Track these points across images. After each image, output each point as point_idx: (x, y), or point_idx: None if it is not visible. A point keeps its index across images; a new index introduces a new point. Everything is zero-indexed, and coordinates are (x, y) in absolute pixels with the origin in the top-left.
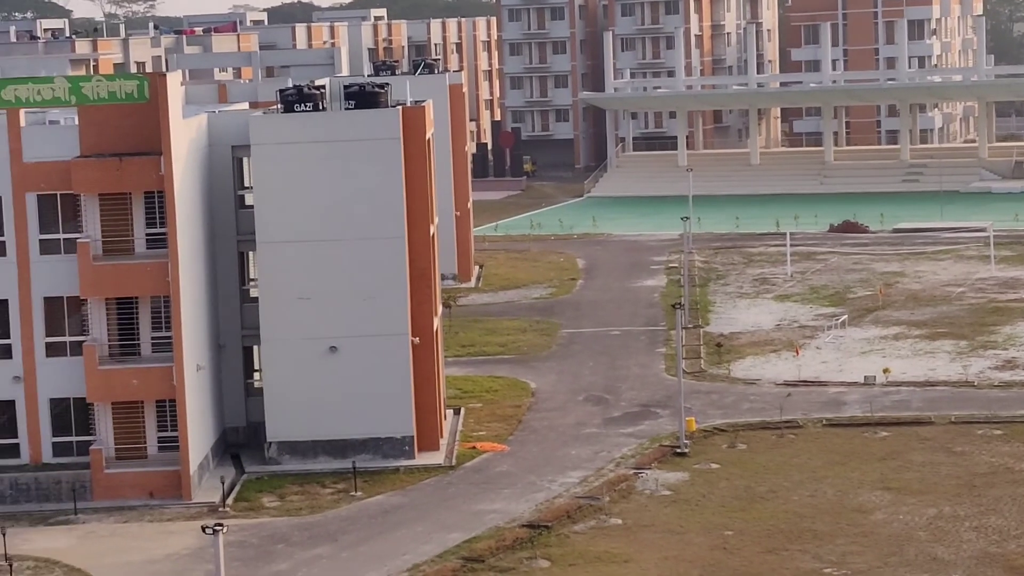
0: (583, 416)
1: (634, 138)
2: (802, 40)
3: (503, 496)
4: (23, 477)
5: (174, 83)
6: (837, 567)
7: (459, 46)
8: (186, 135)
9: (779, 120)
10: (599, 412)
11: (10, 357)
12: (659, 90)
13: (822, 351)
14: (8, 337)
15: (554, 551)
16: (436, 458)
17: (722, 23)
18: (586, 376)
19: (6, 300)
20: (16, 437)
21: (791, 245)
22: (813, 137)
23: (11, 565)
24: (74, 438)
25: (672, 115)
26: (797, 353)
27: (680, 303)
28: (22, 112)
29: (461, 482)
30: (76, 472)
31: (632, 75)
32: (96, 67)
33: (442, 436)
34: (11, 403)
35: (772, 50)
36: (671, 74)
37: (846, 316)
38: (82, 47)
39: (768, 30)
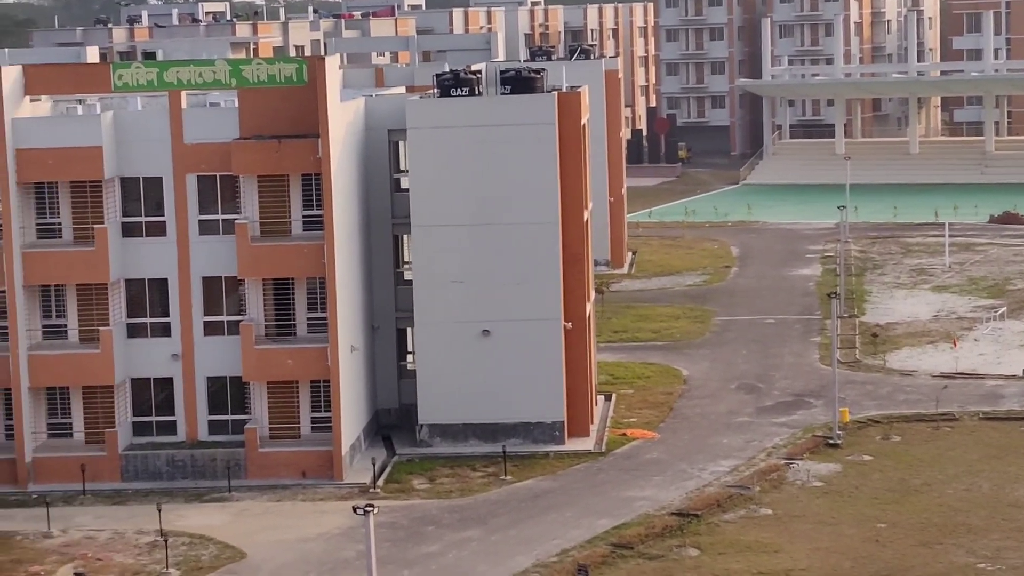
0: (735, 404)
1: (791, 125)
2: (964, 28)
3: (653, 483)
4: (179, 454)
5: (332, 67)
6: (991, 562)
7: (615, 32)
8: (343, 118)
9: (939, 109)
10: (751, 401)
11: (169, 335)
12: (817, 77)
13: (980, 343)
14: (167, 316)
15: (703, 540)
16: (586, 444)
17: (882, 10)
18: (739, 364)
19: (165, 279)
20: (173, 415)
21: (950, 235)
22: (974, 126)
23: (166, 541)
24: (229, 416)
25: (830, 103)
26: (954, 345)
27: (836, 292)
28: (184, 94)
29: (611, 468)
30: (231, 450)
31: (790, 62)
32: (256, 50)
33: (592, 422)
34: (169, 381)
35: (933, 38)
36: (829, 61)
37: (1005, 308)
38: (242, 30)
39: (929, 18)
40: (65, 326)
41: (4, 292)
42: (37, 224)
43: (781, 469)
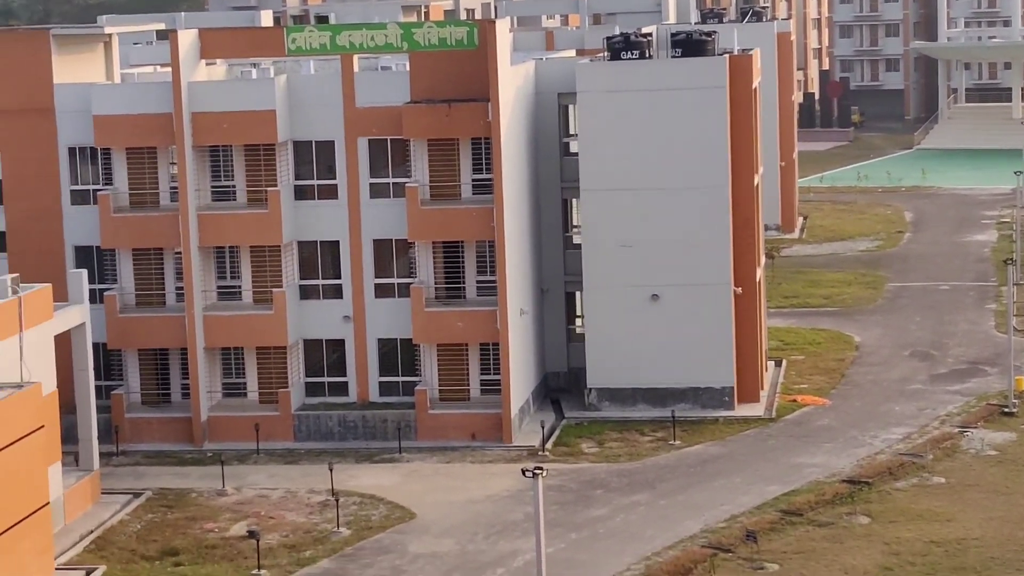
0: (908, 372)
1: (967, 89)
2: None
3: (823, 450)
4: (350, 415)
5: (503, 30)
6: None
7: None
8: (513, 82)
9: None
10: (925, 368)
11: (340, 297)
12: (993, 40)
13: None
14: (339, 278)
15: (874, 507)
16: (756, 410)
17: None
18: (912, 331)
19: (337, 242)
20: (345, 376)
21: None
22: None
23: (337, 500)
24: (400, 378)
25: (1007, 66)
26: None
27: (1012, 258)
28: (356, 58)
29: (781, 435)
30: (401, 412)
31: (966, 24)
32: (427, 14)
33: (762, 388)
34: (341, 342)
35: None
36: (1007, 23)
37: None
38: None
39: None
40: (239, 287)
41: (180, 254)
42: (212, 187)
43: (955, 437)
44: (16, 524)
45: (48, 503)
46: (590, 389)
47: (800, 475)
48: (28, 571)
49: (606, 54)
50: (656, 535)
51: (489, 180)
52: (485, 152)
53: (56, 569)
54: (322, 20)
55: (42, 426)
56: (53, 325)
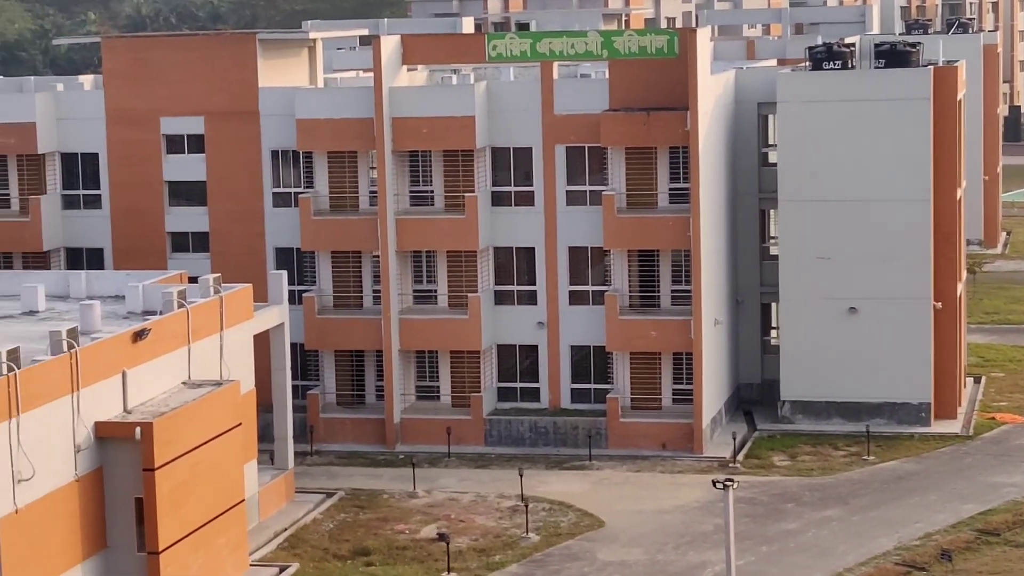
0: None
1: None
2: None
3: (1022, 470)
4: (542, 421)
5: (703, 39)
6: None
7: (995, 5)
8: (713, 91)
9: None
10: None
11: (535, 303)
12: None
13: None
14: (534, 284)
15: None
16: (953, 427)
17: None
18: None
19: (533, 248)
20: (537, 382)
21: None
22: None
23: (527, 506)
24: (592, 385)
25: None
26: None
27: None
28: (555, 65)
29: (978, 452)
30: (592, 419)
31: None
32: (627, 22)
33: (960, 404)
34: (534, 348)
35: None
36: None
37: None
38: (615, 2)
39: None
40: (435, 291)
41: (378, 257)
42: (411, 191)
43: None
44: (213, 519)
45: (244, 500)
46: (784, 401)
47: (997, 494)
48: (223, 566)
49: (808, 64)
50: (848, 551)
51: (686, 189)
52: (683, 161)
53: (250, 565)
54: (523, 27)
55: (239, 424)
56: (253, 325)
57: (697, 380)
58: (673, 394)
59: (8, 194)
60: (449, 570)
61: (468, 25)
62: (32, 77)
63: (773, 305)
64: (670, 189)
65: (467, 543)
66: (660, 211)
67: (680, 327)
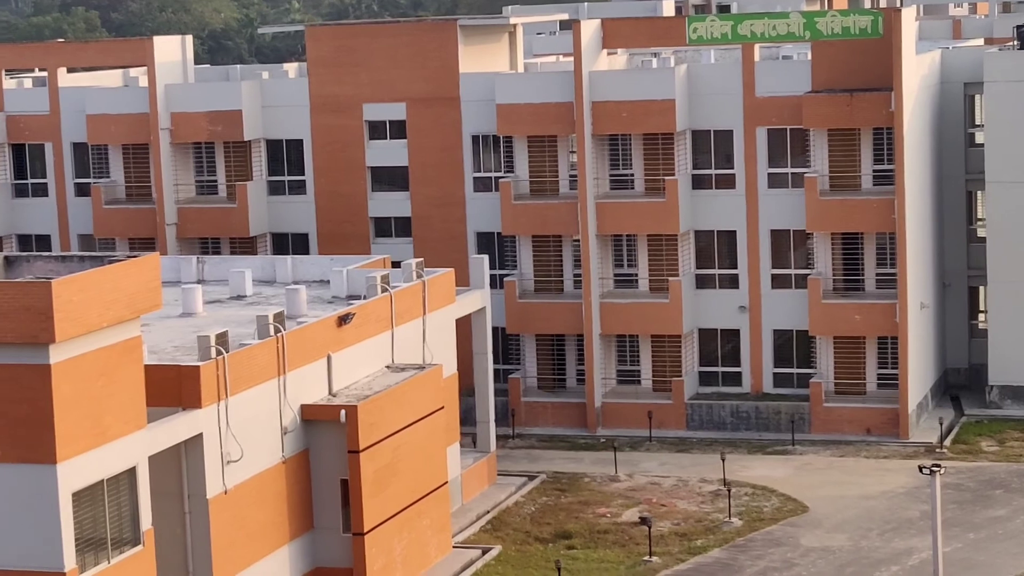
0: None
1: None
2: None
3: None
4: (744, 405)
5: (908, 19)
6: None
7: None
8: (917, 71)
9: None
10: None
11: (736, 287)
12: None
13: None
14: (736, 268)
15: None
16: None
17: None
18: None
19: (734, 231)
20: (739, 366)
21: None
22: None
23: (729, 490)
24: (794, 370)
25: None
26: None
27: None
28: (756, 47)
29: None
30: (795, 404)
31: None
32: (830, 2)
33: None
34: (736, 332)
35: None
36: None
37: None
38: None
39: None
40: (635, 275)
41: (578, 241)
42: (611, 175)
43: None
44: (417, 501)
45: (447, 482)
46: (992, 386)
47: None
48: (427, 548)
49: (1016, 43)
50: None
51: (890, 171)
52: (887, 142)
53: (453, 547)
54: (724, 9)
55: (442, 407)
56: (455, 309)
57: (903, 364)
58: (878, 379)
59: (216, 180)
60: (651, 554)
61: (668, 8)
62: (238, 66)
63: (981, 288)
64: (874, 171)
65: (669, 527)
66: (864, 193)
67: (885, 311)
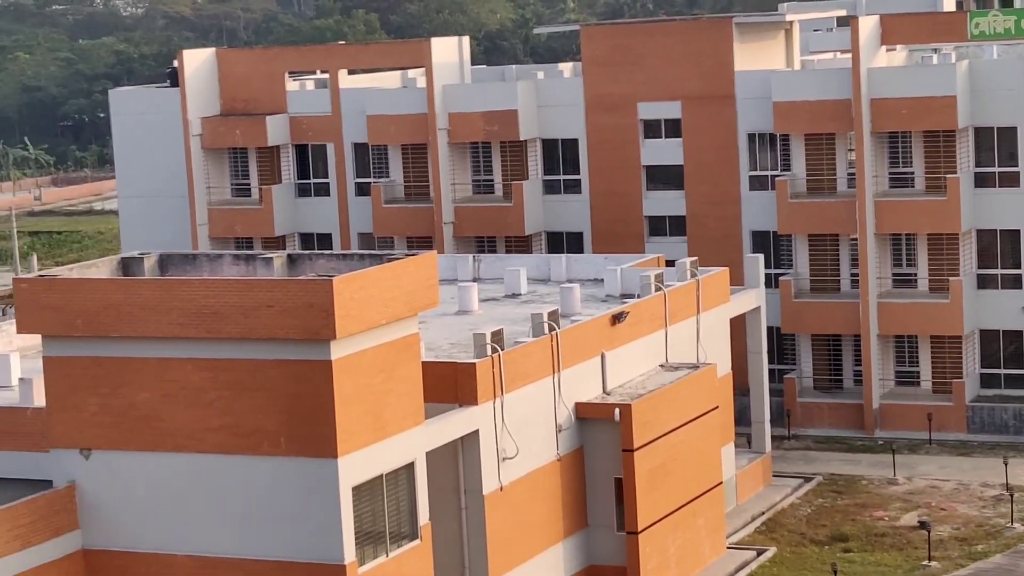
0: None
1: None
2: None
3: None
4: None
5: None
6: None
7: None
8: None
9: None
10: None
11: (1019, 287)
12: None
13: None
14: (1019, 268)
15: None
16: None
17: None
18: None
19: (1018, 230)
20: (1022, 368)
21: None
22: None
23: (1012, 495)
24: None
25: None
26: None
27: None
28: None
29: None
30: None
31: None
32: None
33: None
34: (1019, 334)
35: None
36: None
37: None
38: None
39: None
40: (915, 275)
41: (856, 240)
42: (889, 173)
43: None
44: (691, 501)
45: (721, 482)
46: None
47: None
48: (701, 548)
49: None
50: None
51: None
52: None
53: (728, 548)
54: (1007, 3)
55: (716, 407)
56: (729, 308)
57: None
58: None
59: (492, 180)
60: (930, 559)
61: (949, 3)
62: (513, 66)
63: None
64: None
65: (948, 532)
66: None
67: None
